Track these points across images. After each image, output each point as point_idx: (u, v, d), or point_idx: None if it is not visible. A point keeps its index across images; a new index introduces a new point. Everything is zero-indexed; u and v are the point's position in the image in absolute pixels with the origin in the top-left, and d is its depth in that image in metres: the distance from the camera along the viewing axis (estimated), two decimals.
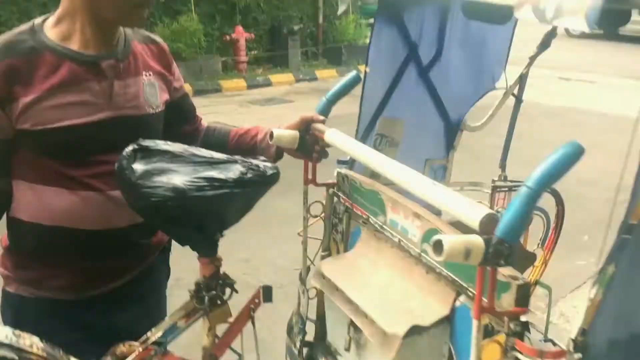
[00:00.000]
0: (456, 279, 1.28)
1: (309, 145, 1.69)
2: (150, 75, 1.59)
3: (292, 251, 4.38)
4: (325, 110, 1.78)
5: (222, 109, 8.62)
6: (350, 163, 1.89)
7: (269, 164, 1.54)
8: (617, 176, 4.90)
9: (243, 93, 9.96)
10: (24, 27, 1.46)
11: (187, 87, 6.72)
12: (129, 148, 1.43)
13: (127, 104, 1.52)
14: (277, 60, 11.23)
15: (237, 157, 1.52)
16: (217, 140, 1.81)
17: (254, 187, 1.51)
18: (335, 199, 1.78)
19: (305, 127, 1.68)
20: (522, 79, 2.55)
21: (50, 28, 1.46)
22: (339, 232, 1.79)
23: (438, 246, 1.01)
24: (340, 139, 1.61)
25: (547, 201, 2.86)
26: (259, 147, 1.78)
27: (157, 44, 1.67)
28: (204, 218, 1.49)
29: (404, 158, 1.71)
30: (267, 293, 1.74)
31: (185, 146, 1.52)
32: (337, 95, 1.80)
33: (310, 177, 1.76)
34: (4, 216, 1.56)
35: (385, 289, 1.48)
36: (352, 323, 1.50)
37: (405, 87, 2.12)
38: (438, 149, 2.39)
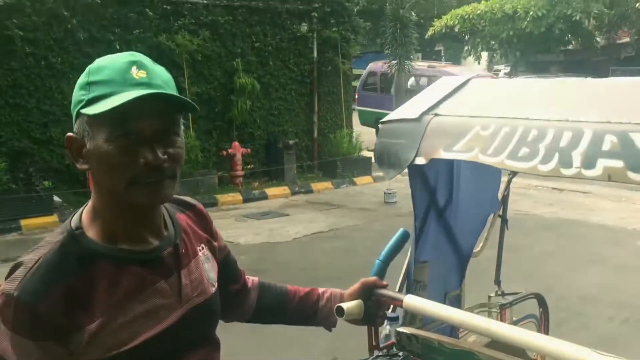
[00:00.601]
0: None
1: (373, 311, 1.69)
2: (203, 248, 1.43)
3: None
4: (383, 273, 1.82)
5: (219, 223, 8.58)
6: (401, 319, 1.92)
7: (405, 355, 1.59)
8: (619, 292, 4.98)
9: (239, 207, 10.09)
10: (60, 236, 1.23)
11: None
12: None
13: (194, 293, 1.34)
14: (273, 173, 11.49)
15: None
16: (275, 300, 1.69)
17: None
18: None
19: (367, 294, 1.69)
20: (504, 201, 2.78)
21: (89, 226, 1.25)
22: None
23: None
24: (423, 304, 1.64)
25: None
26: (320, 314, 1.71)
27: (194, 207, 1.49)
28: None
29: (428, 297, 1.83)
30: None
31: None
32: (390, 255, 1.85)
33: (374, 342, 1.77)
34: None
35: None
36: None
37: (428, 231, 2.27)
38: (454, 281, 2.54)
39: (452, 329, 2.14)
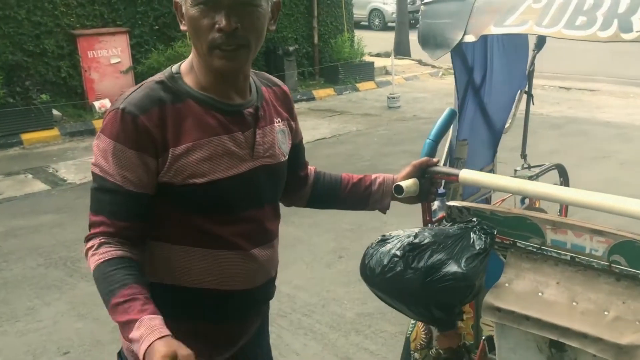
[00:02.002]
0: None
1: (426, 188, 1.79)
2: (279, 122, 1.60)
3: (297, 279, 4.38)
4: (433, 151, 1.91)
5: None
6: (448, 194, 2.04)
7: (479, 220, 1.65)
8: (624, 186, 5.00)
9: None
10: (162, 75, 1.46)
11: None
12: (396, 251, 1.57)
13: (265, 154, 1.52)
14: None
15: (461, 225, 1.63)
16: (329, 186, 1.82)
17: (492, 247, 1.62)
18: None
19: (421, 173, 1.78)
20: (530, 77, 2.92)
21: (186, 75, 1.46)
22: None
23: None
24: (477, 176, 1.75)
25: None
26: (373, 198, 1.81)
27: (279, 86, 1.67)
28: (467, 294, 1.59)
29: None
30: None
31: (426, 229, 1.64)
32: (440, 134, 1.93)
33: (427, 217, 1.90)
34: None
35: (577, 305, 1.54)
36: (551, 346, 1.58)
37: (466, 110, 2.37)
38: (487, 157, 2.70)
39: (486, 202, 2.31)
